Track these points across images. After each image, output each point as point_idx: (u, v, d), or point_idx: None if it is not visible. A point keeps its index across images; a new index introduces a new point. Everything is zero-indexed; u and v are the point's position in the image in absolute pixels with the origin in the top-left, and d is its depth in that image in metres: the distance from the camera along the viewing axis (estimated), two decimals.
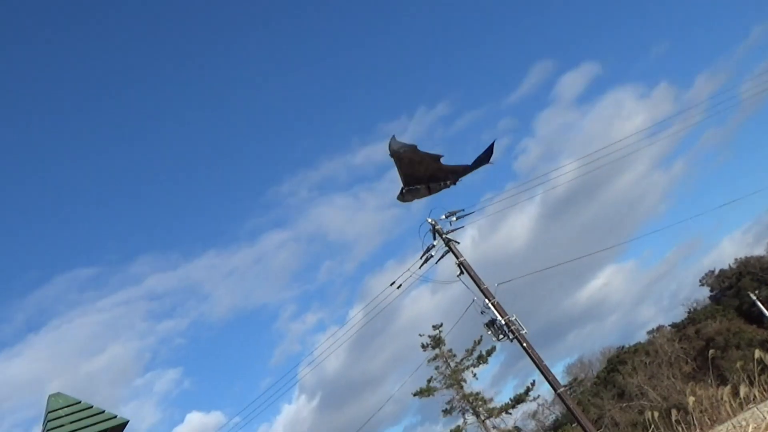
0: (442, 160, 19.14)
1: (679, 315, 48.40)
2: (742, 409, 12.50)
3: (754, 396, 12.30)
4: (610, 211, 74.54)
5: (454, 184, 20.87)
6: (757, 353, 13.96)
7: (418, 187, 19.97)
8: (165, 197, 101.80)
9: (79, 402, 5.17)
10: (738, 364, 16.36)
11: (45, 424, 4.96)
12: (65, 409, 5.06)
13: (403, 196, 20.40)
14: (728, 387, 14.39)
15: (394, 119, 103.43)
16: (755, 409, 11.71)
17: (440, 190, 21.00)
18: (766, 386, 12.65)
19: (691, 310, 46.98)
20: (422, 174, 19.71)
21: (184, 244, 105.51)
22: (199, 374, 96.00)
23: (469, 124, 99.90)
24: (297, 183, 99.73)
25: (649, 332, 46.30)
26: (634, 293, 71.87)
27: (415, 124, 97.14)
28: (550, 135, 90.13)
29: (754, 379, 13.40)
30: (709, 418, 14.65)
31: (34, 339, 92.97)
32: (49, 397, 5.12)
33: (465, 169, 20.61)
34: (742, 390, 12.29)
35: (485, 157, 19.90)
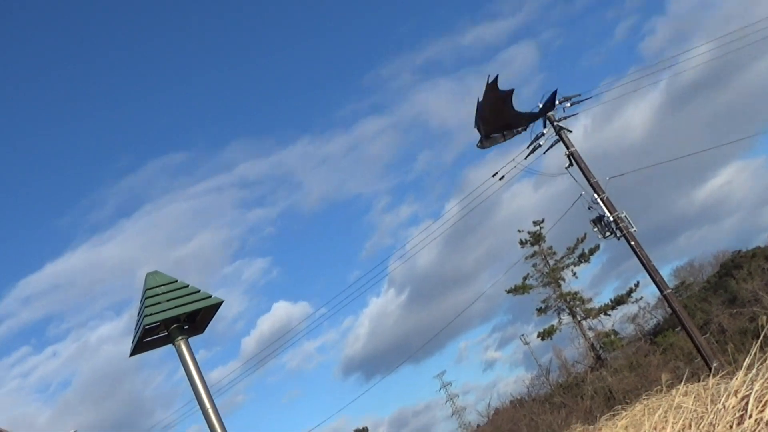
0: (513, 98, 20.24)
1: None
2: None
3: None
4: (743, 102, 66.93)
5: (525, 129, 21.56)
6: None
7: (495, 135, 21.29)
8: (259, 80, 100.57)
9: (176, 281, 5.37)
10: None
11: (143, 300, 5.26)
12: (162, 287, 5.31)
13: (482, 143, 21.54)
14: None
15: None
16: None
17: (514, 136, 21.66)
18: None
19: None
20: (498, 122, 20.94)
21: (278, 130, 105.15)
22: (288, 264, 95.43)
23: (592, 2, 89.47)
24: (399, 66, 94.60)
25: None
26: (758, 193, 65.66)
27: (532, 1, 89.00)
28: (682, 13, 79.61)
29: None
30: None
31: (126, 224, 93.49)
32: (147, 274, 5.39)
33: (533, 116, 21.29)
34: None
35: (550, 105, 20.69)
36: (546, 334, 38.36)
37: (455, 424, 51.25)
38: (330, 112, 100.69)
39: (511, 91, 20.04)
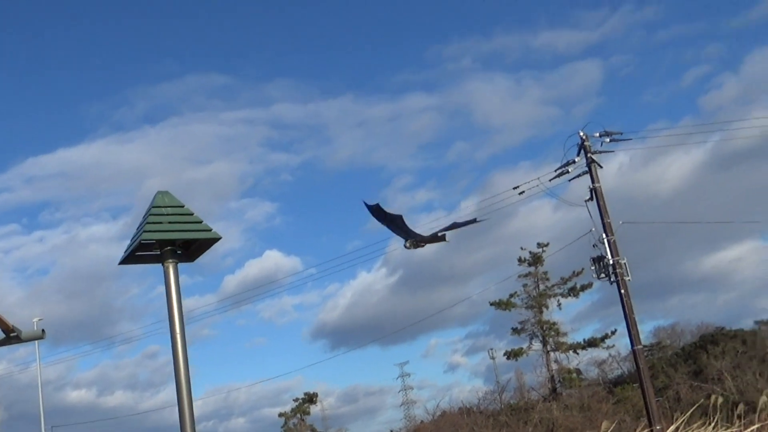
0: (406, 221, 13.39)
1: None
2: None
3: None
4: None
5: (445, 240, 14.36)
6: None
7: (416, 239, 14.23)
8: (320, 24, 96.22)
9: (183, 206, 5.40)
10: None
11: (146, 216, 5.39)
12: (168, 208, 5.39)
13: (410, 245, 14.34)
14: None
15: (595, 9, 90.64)
16: None
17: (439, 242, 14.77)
18: None
19: None
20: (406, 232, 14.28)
21: (325, 80, 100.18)
22: (293, 215, 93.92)
23: (674, 37, 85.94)
24: (463, 49, 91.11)
25: (757, 322, 43.26)
26: (764, 278, 65.45)
27: (615, 20, 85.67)
28: (755, 77, 77.12)
29: None
30: None
31: (150, 131, 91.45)
32: (158, 192, 5.49)
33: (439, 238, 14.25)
34: None
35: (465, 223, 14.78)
36: (513, 355, 38.74)
37: (401, 414, 52.01)
38: (382, 76, 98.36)
39: (399, 216, 13.67)
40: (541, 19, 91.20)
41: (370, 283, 75.59)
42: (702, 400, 31.59)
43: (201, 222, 5.48)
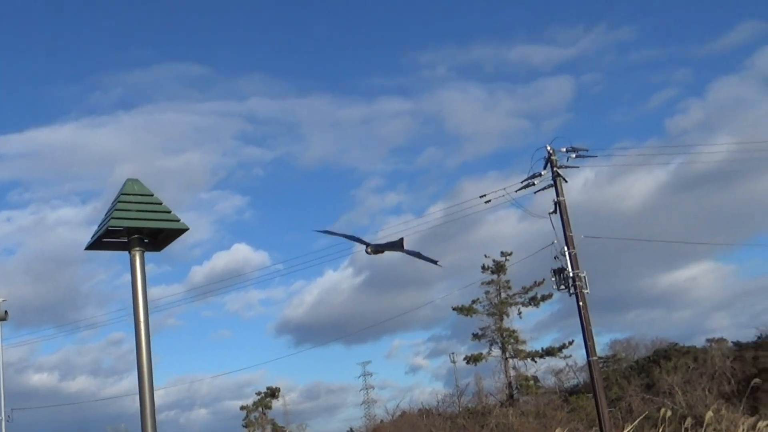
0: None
1: (748, 336, 45.85)
2: None
3: None
4: (740, 208, 67.89)
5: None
6: None
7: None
8: (300, 21, 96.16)
9: (152, 195, 5.37)
10: None
11: (114, 203, 5.32)
12: (138, 196, 5.33)
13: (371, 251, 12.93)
14: (751, 419, 13.84)
15: (571, 26, 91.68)
16: None
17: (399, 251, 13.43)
18: None
19: (762, 336, 44.53)
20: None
21: (301, 78, 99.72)
22: (263, 210, 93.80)
23: (644, 60, 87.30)
24: (439, 57, 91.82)
25: (708, 340, 44.48)
26: (717, 298, 67.33)
27: (589, 39, 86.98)
28: (719, 103, 79.18)
29: None
30: None
31: (123, 117, 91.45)
32: (128, 180, 5.43)
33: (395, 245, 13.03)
34: (762, 424, 11.82)
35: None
36: (473, 360, 39.09)
37: (361, 412, 52.00)
38: (357, 78, 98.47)
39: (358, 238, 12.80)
40: (518, 32, 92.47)
41: (336, 282, 75.50)
42: (649, 412, 32.35)
43: (170, 212, 5.45)
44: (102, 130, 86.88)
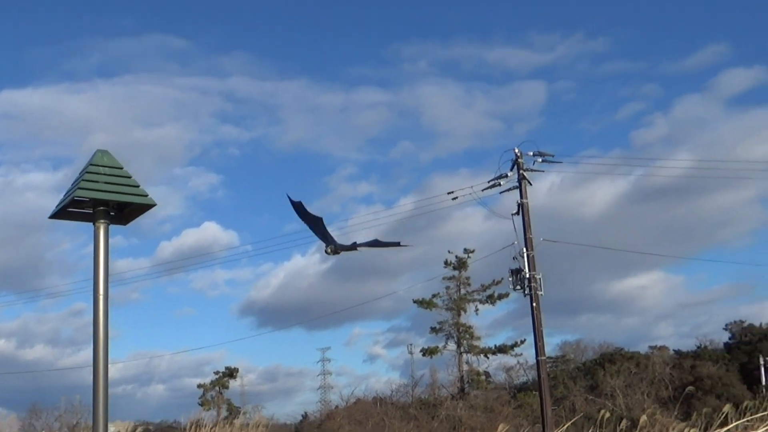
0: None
1: (689, 345, 47.55)
2: None
3: None
4: (693, 223, 70.05)
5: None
6: (727, 407, 13.90)
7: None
8: (287, 5, 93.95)
9: (122, 168, 5.21)
10: (704, 410, 16.20)
11: (82, 173, 5.16)
12: (106, 168, 5.16)
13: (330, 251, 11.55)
14: (681, 424, 14.37)
15: (548, 32, 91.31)
16: None
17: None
18: None
19: (701, 347, 46.11)
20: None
21: (283, 60, 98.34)
22: (236, 190, 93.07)
23: (615, 72, 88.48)
24: (421, 51, 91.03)
25: (651, 347, 45.85)
26: (663, 307, 69.49)
27: (565, 47, 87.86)
28: (682, 120, 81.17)
29: (709, 427, 13.24)
30: None
31: (101, 85, 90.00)
32: (97, 151, 5.26)
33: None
34: (692, 431, 12.28)
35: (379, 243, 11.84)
36: (428, 353, 39.39)
37: (318, 397, 52.00)
38: (339, 66, 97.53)
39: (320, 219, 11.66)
40: (497, 35, 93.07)
41: (303, 267, 75.16)
42: (589, 412, 33.22)
43: (138, 186, 5.32)
44: (78, 97, 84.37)
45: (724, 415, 13.06)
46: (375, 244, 10.64)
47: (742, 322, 48.15)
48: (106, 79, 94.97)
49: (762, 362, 41.94)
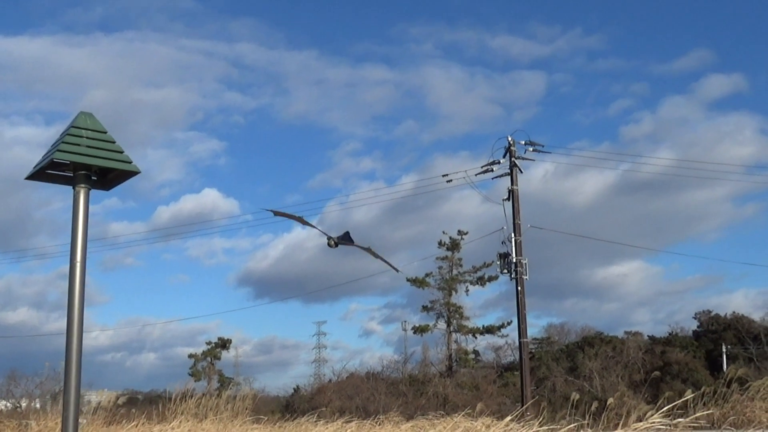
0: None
1: (662, 332, 47.94)
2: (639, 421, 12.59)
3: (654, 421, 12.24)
4: (674, 217, 70.90)
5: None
6: (689, 392, 14.13)
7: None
8: None
9: (105, 132, 4.91)
10: (667, 394, 16.25)
11: (63, 135, 4.88)
12: (89, 131, 4.88)
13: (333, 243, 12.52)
14: (646, 406, 14.41)
15: (550, 25, 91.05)
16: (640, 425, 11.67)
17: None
18: (670, 418, 12.58)
19: (672, 333, 46.50)
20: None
21: (293, 30, 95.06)
22: (238, 158, 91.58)
23: (609, 69, 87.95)
24: (428, 33, 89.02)
25: (627, 332, 46.02)
26: (641, 295, 70.15)
27: (564, 41, 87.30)
28: (667, 119, 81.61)
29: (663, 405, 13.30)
30: (615, 420, 14.88)
31: (102, 40, 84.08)
32: (80, 113, 4.96)
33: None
34: (651, 413, 12.30)
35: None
36: (420, 330, 39.36)
37: (312, 370, 52.04)
38: (348, 40, 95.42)
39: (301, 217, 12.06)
40: (501, 22, 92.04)
41: (302, 240, 74.46)
42: (571, 393, 33.30)
43: (122, 152, 5.03)
44: (77, 50, 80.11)
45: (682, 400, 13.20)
46: (381, 258, 10.39)
47: (709, 311, 48.53)
48: (107, 34, 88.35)
49: (725, 350, 42.37)
